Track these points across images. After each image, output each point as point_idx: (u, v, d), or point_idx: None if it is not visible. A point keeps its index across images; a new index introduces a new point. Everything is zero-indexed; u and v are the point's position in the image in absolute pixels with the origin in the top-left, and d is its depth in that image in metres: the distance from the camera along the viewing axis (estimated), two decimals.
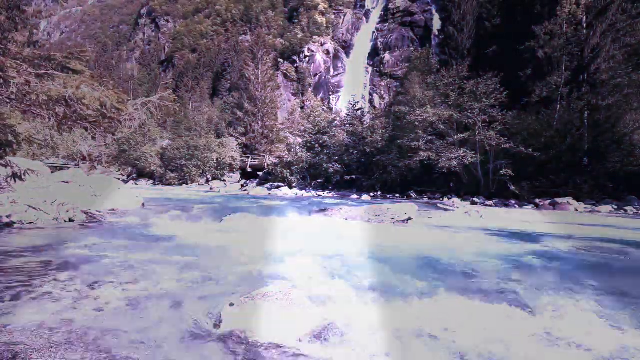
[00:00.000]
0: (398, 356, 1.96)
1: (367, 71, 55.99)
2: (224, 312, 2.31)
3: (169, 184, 29.19)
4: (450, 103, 15.66)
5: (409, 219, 7.62)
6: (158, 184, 29.98)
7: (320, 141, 23.99)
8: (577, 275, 3.83)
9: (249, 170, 31.06)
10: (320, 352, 1.98)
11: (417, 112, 16.17)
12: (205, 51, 68.22)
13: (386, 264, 4.11)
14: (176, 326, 2.27)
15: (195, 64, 65.74)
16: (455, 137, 15.13)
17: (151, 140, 34.32)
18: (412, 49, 48.78)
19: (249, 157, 32.70)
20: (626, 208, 10.61)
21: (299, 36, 59.82)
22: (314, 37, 59.42)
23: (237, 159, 32.17)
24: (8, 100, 5.36)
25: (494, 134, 14.06)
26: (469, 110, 14.72)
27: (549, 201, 11.85)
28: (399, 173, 17.84)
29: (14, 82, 4.94)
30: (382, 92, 51.67)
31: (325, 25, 61.08)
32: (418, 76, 21.69)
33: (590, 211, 10.58)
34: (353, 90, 46.00)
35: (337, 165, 21.43)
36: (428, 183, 16.97)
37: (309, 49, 58.66)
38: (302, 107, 51.34)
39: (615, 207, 10.97)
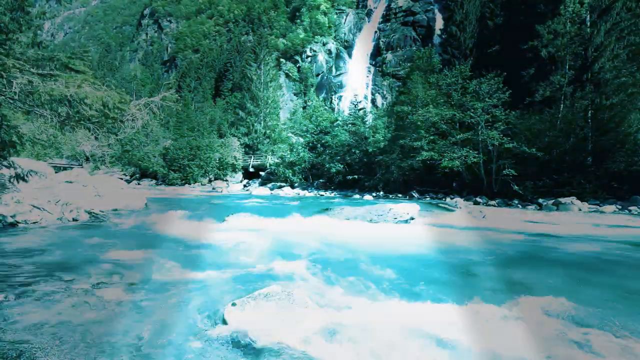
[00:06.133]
0: (398, 355, 1.96)
1: (370, 71, 55.89)
2: (227, 311, 2.32)
3: (172, 184, 29.26)
4: (452, 103, 15.59)
5: (411, 218, 7.61)
6: (161, 184, 30.07)
7: (322, 141, 23.98)
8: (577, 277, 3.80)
9: (251, 170, 31.10)
10: (322, 352, 1.98)
11: (420, 111, 16.11)
12: (207, 51, 68.30)
13: (388, 265, 4.10)
14: (179, 325, 2.28)
15: (197, 64, 65.83)
16: (458, 136, 15.06)
17: (154, 141, 34.39)
18: (414, 48, 48.63)
19: (251, 157, 32.74)
20: (630, 208, 10.53)
21: (301, 36, 59.78)
22: (316, 37, 59.39)
23: (239, 159, 32.21)
24: (11, 101, 5.39)
25: (497, 133, 13.99)
26: (472, 110, 14.64)
27: (552, 201, 11.77)
28: (401, 173, 17.78)
29: (16, 82, 4.96)
30: (385, 92, 51.54)
31: (327, 25, 61.01)
32: (420, 76, 21.60)
33: (594, 211, 10.51)
34: (355, 90, 45.93)
35: (339, 165, 21.41)
36: (430, 183, 16.90)
37: (311, 48, 58.63)
38: (304, 107, 51.33)
39: (620, 207, 10.88)
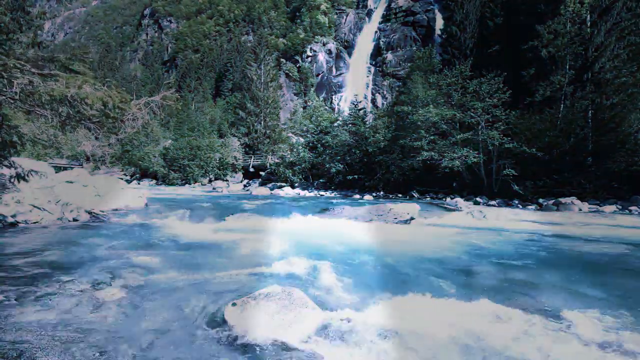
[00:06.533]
0: (399, 354, 1.96)
1: (370, 71, 55.93)
2: (227, 311, 2.32)
3: (172, 184, 29.27)
4: (452, 103, 15.59)
5: (412, 218, 7.61)
6: (161, 184, 30.08)
7: (323, 141, 23.97)
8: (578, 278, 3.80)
9: (252, 170, 31.11)
10: (322, 351, 1.98)
11: (420, 111, 16.10)
12: (207, 51, 68.39)
13: (388, 265, 4.10)
14: (179, 325, 2.28)
15: (198, 64, 65.90)
16: (458, 136, 15.05)
17: (154, 140, 34.44)
18: (414, 48, 48.67)
19: (251, 157, 32.75)
20: (631, 208, 10.52)
21: (301, 36, 59.82)
22: (317, 36, 59.42)
23: (239, 159, 32.22)
24: (12, 101, 5.39)
25: (497, 133, 13.98)
26: (472, 110, 14.63)
27: (552, 201, 11.77)
28: (401, 173, 17.78)
29: (17, 82, 4.97)
30: (385, 92, 51.59)
31: (327, 25, 61.05)
32: (420, 76, 21.59)
33: (594, 211, 10.51)
34: (355, 90, 45.95)
35: (340, 165, 21.41)
36: (430, 183, 16.90)
37: (311, 48, 58.68)
38: (304, 107, 51.35)
39: (620, 207, 10.88)
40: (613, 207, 10.76)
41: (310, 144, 24.70)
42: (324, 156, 22.80)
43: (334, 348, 2.03)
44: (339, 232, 6.45)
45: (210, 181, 30.11)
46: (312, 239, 5.58)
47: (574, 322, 2.38)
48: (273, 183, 24.90)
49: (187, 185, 28.94)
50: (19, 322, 2.19)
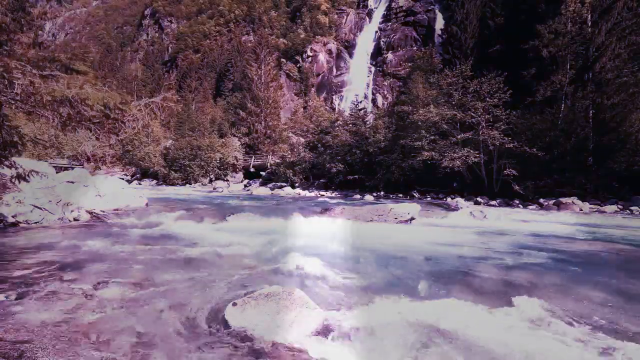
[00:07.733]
0: (399, 354, 1.96)
1: (370, 71, 55.94)
2: (227, 311, 2.32)
3: (173, 184, 29.29)
4: (453, 102, 15.57)
5: (412, 218, 7.61)
6: (162, 184, 30.10)
7: (323, 141, 23.97)
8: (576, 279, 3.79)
9: (252, 170, 31.11)
10: (323, 351, 1.98)
11: (420, 111, 16.09)
12: (208, 51, 68.50)
13: (389, 265, 4.10)
14: (179, 326, 2.28)
15: (198, 65, 66.03)
16: (459, 136, 15.04)
17: (155, 141, 34.44)
18: (415, 48, 48.71)
19: (251, 157, 32.75)
20: (632, 208, 10.50)
21: (302, 36, 59.90)
22: (317, 37, 59.49)
23: (240, 159, 32.22)
24: (13, 102, 5.40)
25: (498, 133, 13.96)
26: (473, 110, 14.62)
27: (553, 201, 11.76)
28: (402, 173, 17.77)
29: (18, 83, 4.97)
30: (385, 92, 51.59)
31: (328, 25, 61.10)
32: (421, 76, 21.59)
33: (595, 211, 10.49)
34: (356, 90, 45.97)
35: (340, 165, 21.40)
36: (431, 183, 16.90)
37: (311, 48, 58.73)
38: (305, 107, 51.37)
39: (621, 206, 10.87)
40: (614, 207, 10.75)
41: (311, 144, 24.70)
42: (325, 156, 22.79)
43: (335, 348, 2.03)
44: (340, 232, 6.45)
45: (210, 181, 30.12)
46: (313, 239, 5.58)
47: (575, 322, 2.38)
48: (273, 183, 24.90)
49: (187, 185, 28.95)
50: (19, 322, 2.20)
